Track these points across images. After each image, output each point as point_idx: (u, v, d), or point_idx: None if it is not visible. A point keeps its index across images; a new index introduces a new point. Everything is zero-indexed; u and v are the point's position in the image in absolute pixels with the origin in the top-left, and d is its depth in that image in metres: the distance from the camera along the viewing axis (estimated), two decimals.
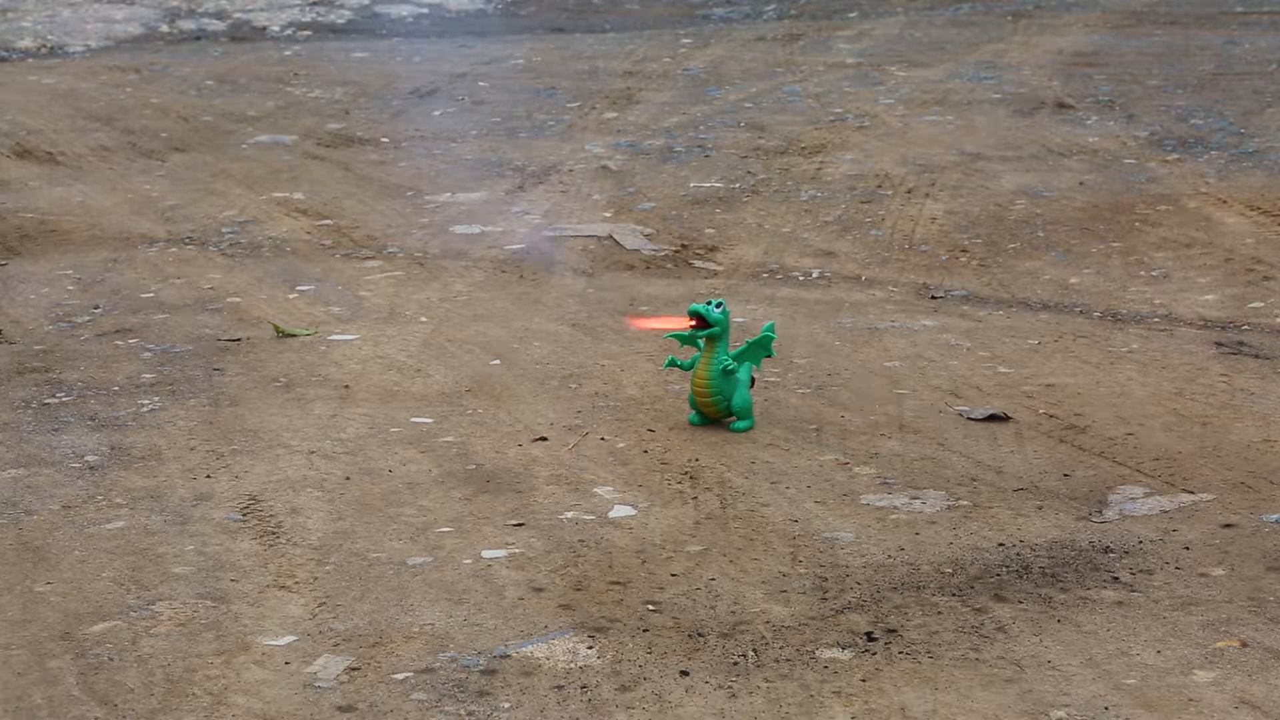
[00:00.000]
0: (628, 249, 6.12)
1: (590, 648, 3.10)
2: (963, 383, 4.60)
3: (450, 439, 4.20)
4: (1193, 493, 3.81)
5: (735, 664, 3.04)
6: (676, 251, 6.08)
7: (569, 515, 3.72)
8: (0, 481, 3.95)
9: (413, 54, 10.71)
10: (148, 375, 4.72)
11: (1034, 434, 4.20)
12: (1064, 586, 3.34)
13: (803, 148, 7.64)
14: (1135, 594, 3.30)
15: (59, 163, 7.64)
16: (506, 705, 2.90)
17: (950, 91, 8.94)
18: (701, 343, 4.23)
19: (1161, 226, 6.23)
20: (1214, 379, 4.61)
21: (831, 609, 3.26)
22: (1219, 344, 4.93)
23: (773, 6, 12.97)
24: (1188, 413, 4.34)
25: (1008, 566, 3.44)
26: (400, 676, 3.01)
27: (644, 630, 3.17)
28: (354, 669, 3.03)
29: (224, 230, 6.42)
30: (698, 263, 5.96)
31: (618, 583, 3.38)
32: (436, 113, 8.67)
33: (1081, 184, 6.86)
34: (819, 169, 7.24)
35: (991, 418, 4.30)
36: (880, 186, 6.92)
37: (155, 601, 3.31)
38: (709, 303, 4.20)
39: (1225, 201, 6.53)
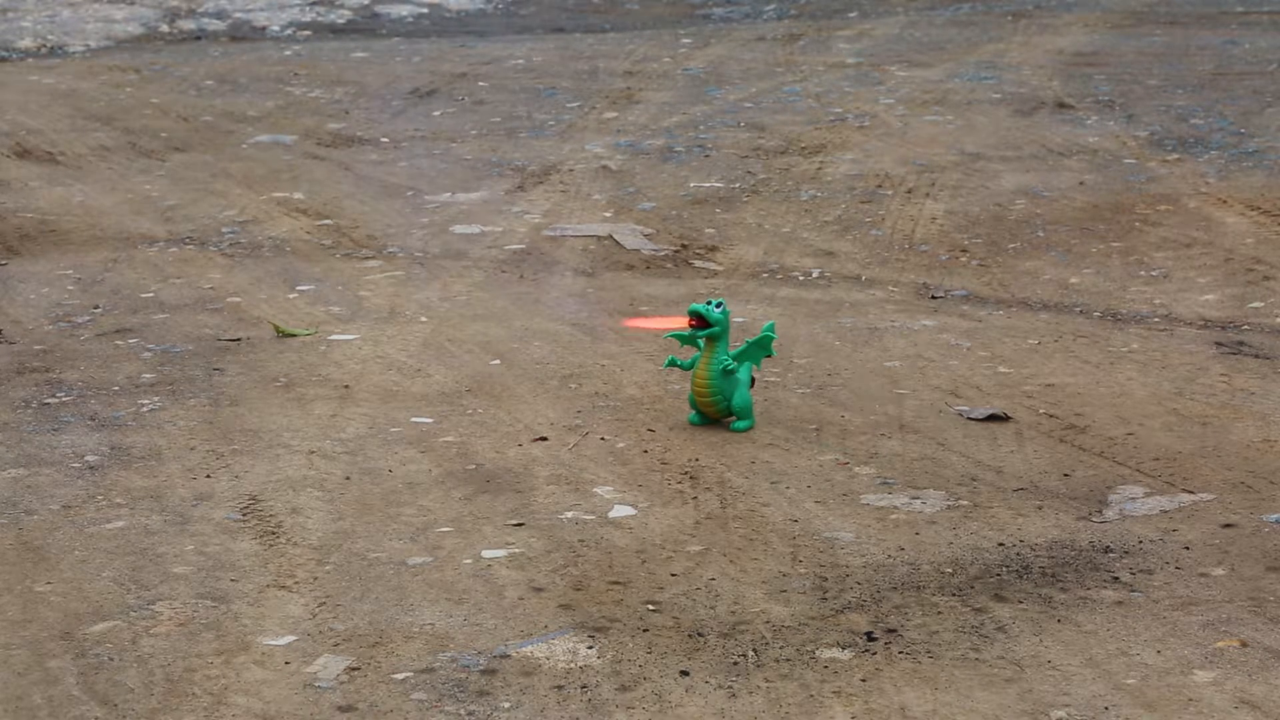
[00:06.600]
0: (628, 249, 6.12)
1: (590, 648, 3.10)
2: (963, 383, 4.60)
3: (450, 439, 4.20)
4: (1193, 493, 3.81)
5: (735, 664, 3.04)
6: (676, 251, 6.08)
7: (569, 515, 3.72)
8: (0, 481, 3.95)
9: (413, 54, 10.71)
10: (148, 375, 4.72)
11: (1034, 434, 4.20)
12: (1064, 586, 3.34)
13: (803, 148, 7.64)
14: (1135, 594, 3.30)
15: (59, 163, 7.63)
16: (506, 705, 2.90)
17: (950, 91, 8.94)
18: (701, 343, 4.23)
19: (1161, 226, 6.23)
20: (1214, 379, 4.61)
21: (831, 609, 3.26)
22: (1219, 344, 4.93)
23: (773, 6, 12.96)
24: (1188, 413, 4.34)
25: (1008, 566, 3.44)
26: (400, 676, 3.01)
27: (644, 630, 3.17)
28: (354, 669, 3.03)
29: (224, 230, 6.42)
30: (698, 263, 5.96)
31: (618, 583, 3.38)
32: (436, 113, 8.67)
33: (1081, 184, 6.86)
34: (819, 169, 7.24)
35: (991, 418, 4.30)
36: (880, 186, 6.92)
37: (155, 601, 3.31)
38: (709, 303, 4.20)
39: (1225, 201, 6.53)
